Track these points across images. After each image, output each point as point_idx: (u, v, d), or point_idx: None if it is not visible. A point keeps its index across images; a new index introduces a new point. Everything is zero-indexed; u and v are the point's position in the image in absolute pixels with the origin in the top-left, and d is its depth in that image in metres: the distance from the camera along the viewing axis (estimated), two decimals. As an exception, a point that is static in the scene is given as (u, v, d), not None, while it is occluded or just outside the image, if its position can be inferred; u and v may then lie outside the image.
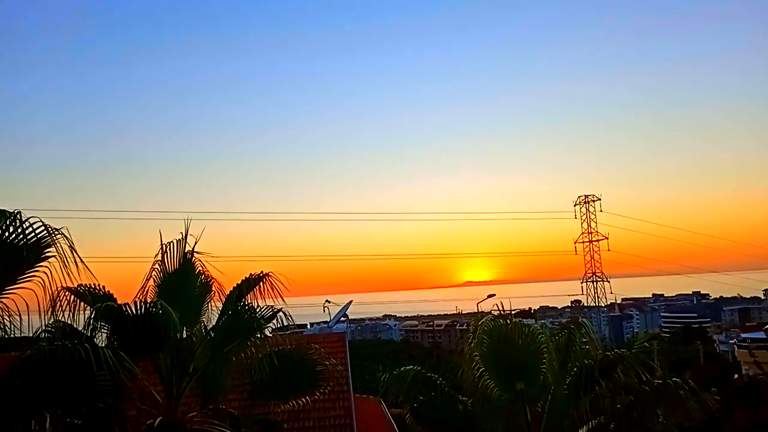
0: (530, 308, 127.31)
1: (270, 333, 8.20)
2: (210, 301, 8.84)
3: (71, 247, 5.85)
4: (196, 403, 8.37)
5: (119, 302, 7.44)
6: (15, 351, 6.26)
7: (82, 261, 5.88)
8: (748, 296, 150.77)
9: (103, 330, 7.17)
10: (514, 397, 9.00)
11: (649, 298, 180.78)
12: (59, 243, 5.85)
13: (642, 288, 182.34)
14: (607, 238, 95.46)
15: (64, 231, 5.90)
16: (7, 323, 6.06)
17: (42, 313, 6.51)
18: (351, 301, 26.14)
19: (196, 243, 8.64)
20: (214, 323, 8.34)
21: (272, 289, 8.55)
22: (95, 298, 7.56)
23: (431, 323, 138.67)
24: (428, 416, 9.98)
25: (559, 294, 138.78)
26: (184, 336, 8.00)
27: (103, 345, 6.80)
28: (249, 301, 8.50)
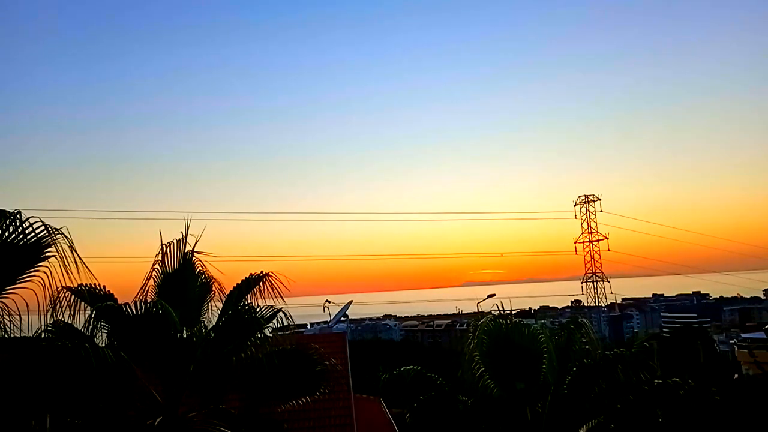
0: (530, 308, 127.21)
1: (270, 333, 8.19)
2: (210, 301, 8.84)
3: (71, 247, 5.85)
4: (196, 403, 8.36)
5: (119, 302, 7.44)
6: (15, 351, 6.25)
7: (82, 261, 5.88)
8: (748, 296, 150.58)
9: (103, 330, 7.17)
10: (514, 397, 9.00)
11: (649, 298, 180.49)
12: (59, 243, 5.86)
13: (642, 288, 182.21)
14: (607, 238, 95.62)
15: (64, 231, 5.91)
16: (7, 323, 6.05)
17: (42, 313, 6.51)
18: (351, 301, 26.13)
19: (196, 243, 8.67)
20: (214, 323, 8.33)
21: (272, 289, 8.56)
22: (95, 298, 7.55)
23: (431, 323, 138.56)
24: (428, 416, 9.97)
25: (559, 294, 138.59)
26: (184, 336, 7.99)
27: (103, 345, 6.80)
28: (249, 301, 8.50)
